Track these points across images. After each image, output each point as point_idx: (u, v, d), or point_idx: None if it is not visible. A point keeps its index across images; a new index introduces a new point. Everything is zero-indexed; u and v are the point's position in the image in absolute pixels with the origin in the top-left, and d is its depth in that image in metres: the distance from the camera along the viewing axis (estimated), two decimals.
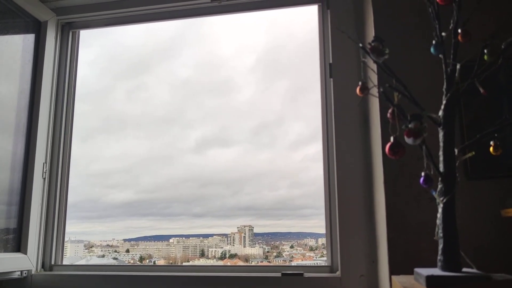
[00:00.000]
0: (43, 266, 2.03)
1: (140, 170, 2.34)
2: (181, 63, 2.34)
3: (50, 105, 2.13)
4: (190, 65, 2.32)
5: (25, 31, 2.08)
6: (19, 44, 2.04)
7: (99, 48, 2.42)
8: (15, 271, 1.89)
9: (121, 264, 2.33)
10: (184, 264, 2.40)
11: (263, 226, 2.32)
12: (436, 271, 1.07)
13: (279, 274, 1.74)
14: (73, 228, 2.26)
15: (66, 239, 2.14)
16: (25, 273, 1.94)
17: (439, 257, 1.09)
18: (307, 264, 2.20)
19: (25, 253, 1.93)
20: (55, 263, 2.05)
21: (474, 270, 1.09)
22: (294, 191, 2.14)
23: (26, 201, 1.97)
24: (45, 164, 2.07)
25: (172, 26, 2.29)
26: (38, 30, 2.12)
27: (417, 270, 1.12)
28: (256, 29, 2.24)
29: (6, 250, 1.88)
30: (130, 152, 2.35)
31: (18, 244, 1.93)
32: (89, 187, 2.38)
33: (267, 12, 2.08)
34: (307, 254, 2.35)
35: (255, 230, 2.45)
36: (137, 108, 2.36)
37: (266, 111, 2.20)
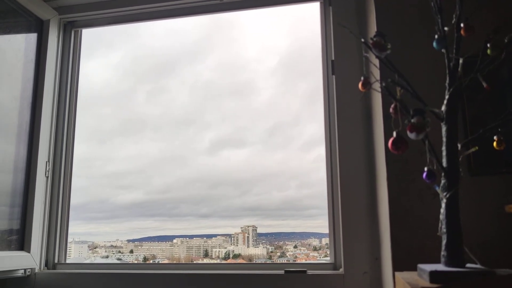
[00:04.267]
0: (46, 264, 2.04)
1: (154, 171, 2.35)
2: (203, 65, 2.36)
3: (52, 104, 2.13)
4: (212, 67, 2.34)
5: (27, 30, 2.08)
6: (21, 43, 2.05)
7: (124, 52, 2.45)
8: (18, 270, 1.90)
9: (125, 262, 2.33)
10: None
11: (268, 226, 2.32)
12: (440, 267, 1.06)
13: (282, 272, 1.74)
14: (79, 229, 2.27)
15: (70, 240, 2.14)
16: (29, 272, 1.94)
17: (442, 253, 1.09)
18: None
19: (29, 251, 1.93)
20: (58, 261, 2.06)
21: (478, 266, 1.08)
22: (303, 191, 2.13)
23: (29, 199, 1.97)
24: (48, 163, 2.07)
25: (196, 29, 2.32)
26: (41, 29, 2.13)
27: (420, 266, 1.11)
28: (280, 29, 2.25)
29: (9, 249, 1.89)
30: (145, 154, 2.37)
31: (22, 243, 1.94)
32: (100, 188, 2.40)
33: (291, 11, 2.08)
34: (311, 254, 2.34)
35: (260, 230, 2.45)
36: (157, 110, 2.38)
37: (283, 112, 2.21)
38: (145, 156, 2.36)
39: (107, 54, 2.41)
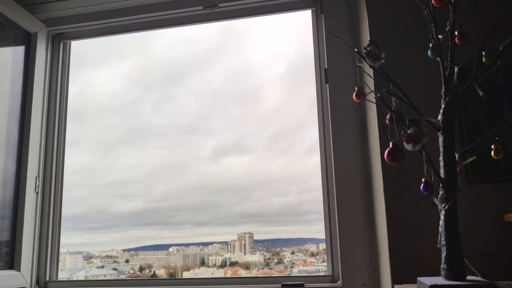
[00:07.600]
0: (37, 282, 1.98)
1: (155, 179, 2.33)
2: (210, 73, 2.34)
3: (41, 118, 2.09)
4: (218, 75, 2.33)
5: (15, 43, 2.05)
6: (9, 57, 2.01)
7: (133, 61, 2.44)
8: None
9: (118, 278, 2.28)
10: (184, 273, 2.36)
11: (267, 232, 2.30)
12: (440, 280, 1.04)
13: (279, 285, 1.71)
14: (76, 239, 2.24)
15: (65, 251, 2.09)
16: None
17: (442, 266, 1.06)
18: (308, 270, 2.17)
19: (19, 270, 1.88)
20: (49, 279, 2.00)
21: (479, 278, 1.06)
22: (303, 196, 2.11)
23: (19, 216, 1.92)
24: (37, 178, 2.03)
25: (206, 37, 2.31)
26: (28, 42, 2.09)
27: (420, 279, 1.09)
28: (287, 36, 2.24)
29: None
30: (148, 162, 2.34)
31: (11, 261, 1.89)
32: (100, 197, 2.36)
33: (297, 18, 2.07)
34: (308, 260, 2.31)
35: (258, 237, 2.42)
36: (162, 118, 2.36)
37: (287, 118, 2.20)
38: (147, 164, 2.34)
39: (116, 64, 2.39)
